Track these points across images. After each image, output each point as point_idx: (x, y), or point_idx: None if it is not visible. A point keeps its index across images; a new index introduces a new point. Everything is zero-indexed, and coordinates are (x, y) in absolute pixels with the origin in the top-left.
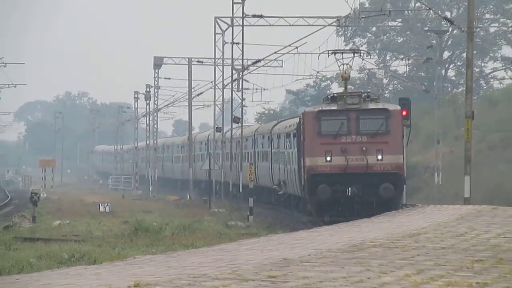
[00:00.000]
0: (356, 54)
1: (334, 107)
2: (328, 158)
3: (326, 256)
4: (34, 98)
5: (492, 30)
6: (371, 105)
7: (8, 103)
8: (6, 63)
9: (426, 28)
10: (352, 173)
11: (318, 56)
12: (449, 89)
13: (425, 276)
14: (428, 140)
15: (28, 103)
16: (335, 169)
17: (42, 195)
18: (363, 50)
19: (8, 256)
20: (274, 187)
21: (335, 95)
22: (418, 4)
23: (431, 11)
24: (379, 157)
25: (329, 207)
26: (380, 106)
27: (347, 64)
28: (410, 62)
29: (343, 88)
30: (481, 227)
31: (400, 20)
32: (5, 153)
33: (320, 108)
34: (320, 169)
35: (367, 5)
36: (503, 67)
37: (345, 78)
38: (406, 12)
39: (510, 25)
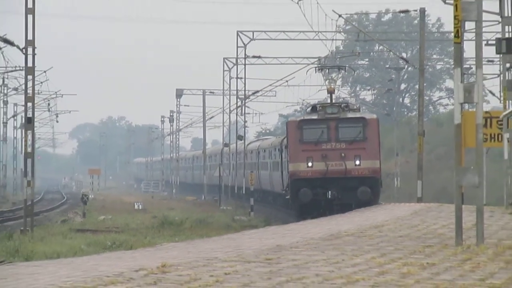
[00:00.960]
0: (340, 70)
1: (315, 117)
2: (310, 164)
3: (310, 243)
4: (84, 121)
5: (438, 67)
6: (350, 114)
7: (64, 125)
8: (62, 95)
9: (387, 66)
10: (332, 177)
11: (307, 72)
12: (405, 113)
13: (387, 258)
14: (389, 152)
15: (79, 125)
16: (316, 174)
17: (90, 196)
18: (345, 66)
19: (65, 243)
20: (283, 191)
21: (316, 105)
22: (381, 47)
23: (391, 52)
24: (357, 162)
25: (311, 209)
26: (357, 115)
27: (331, 78)
28: (375, 92)
29: (329, 101)
30: (430, 220)
31: (367, 59)
32: (62, 164)
33: (302, 118)
34: (302, 174)
35: (341, 48)
36: (447, 96)
37: (330, 91)
38: (371, 53)
39: (452, 63)
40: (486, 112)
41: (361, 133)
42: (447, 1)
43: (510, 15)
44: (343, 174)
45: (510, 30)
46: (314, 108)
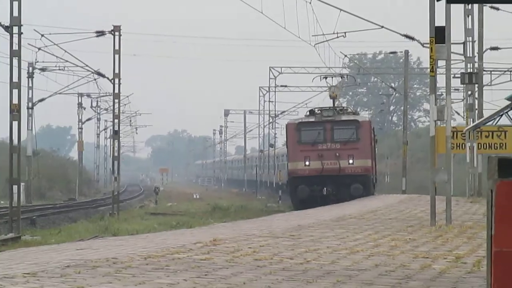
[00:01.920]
0: (342, 78)
1: (312, 119)
2: (307, 163)
3: (322, 224)
4: (156, 133)
5: (418, 93)
6: (344, 117)
7: (142, 136)
8: (141, 113)
9: (380, 93)
10: (327, 175)
11: (313, 79)
12: (393, 128)
13: (379, 235)
14: (381, 157)
15: (153, 136)
16: (313, 172)
17: (160, 188)
18: (346, 74)
19: (142, 223)
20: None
21: (314, 109)
22: (375, 79)
23: (383, 83)
24: (350, 161)
25: (308, 204)
26: (351, 117)
27: (334, 86)
28: (371, 112)
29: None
30: (412, 207)
31: (365, 88)
32: (140, 165)
33: (300, 120)
34: (300, 172)
35: (346, 79)
36: (424, 115)
37: (332, 97)
38: (368, 83)
39: (428, 91)
40: (453, 127)
41: (354, 134)
42: (424, 45)
43: (470, 56)
44: (337, 172)
45: (470, 67)
46: (312, 112)
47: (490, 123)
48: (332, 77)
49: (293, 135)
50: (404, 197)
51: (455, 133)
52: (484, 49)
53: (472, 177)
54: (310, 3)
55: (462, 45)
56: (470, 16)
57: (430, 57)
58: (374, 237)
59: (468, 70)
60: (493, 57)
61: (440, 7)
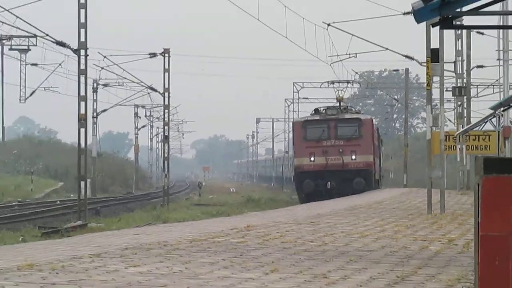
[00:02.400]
0: (348, 84)
1: (317, 117)
2: (312, 159)
3: (337, 212)
4: (199, 137)
5: (416, 104)
6: (347, 115)
7: (187, 140)
8: (186, 121)
9: (385, 104)
10: (331, 170)
11: (321, 84)
12: (396, 132)
13: (385, 221)
14: (387, 157)
15: (196, 140)
16: (317, 167)
17: (203, 183)
18: (352, 80)
19: (187, 212)
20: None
21: (319, 108)
22: (381, 92)
23: (387, 95)
24: (353, 157)
25: (313, 198)
26: (354, 116)
27: (341, 90)
28: (377, 120)
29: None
30: (412, 198)
31: (372, 99)
32: (186, 164)
33: (306, 118)
34: (306, 167)
35: (357, 92)
36: (422, 122)
37: (339, 100)
38: (375, 95)
39: (425, 102)
40: (446, 132)
41: (356, 131)
42: (422, 64)
43: (460, 72)
44: (341, 167)
45: (460, 82)
46: (317, 110)
47: (476, 128)
48: (338, 83)
49: (299, 132)
50: (405, 190)
51: (447, 137)
52: (471, 67)
53: (461, 174)
54: (327, 29)
55: (453, 64)
56: (459, 40)
57: (427, 74)
58: (380, 223)
59: (458, 85)
60: (479, 73)
61: (435, 32)
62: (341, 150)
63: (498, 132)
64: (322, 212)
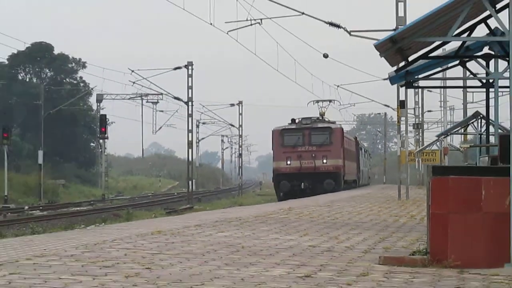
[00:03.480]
0: (330, 102)
1: (293, 126)
2: (288, 162)
3: (343, 199)
4: (261, 154)
5: (391, 133)
6: (320, 124)
7: (253, 155)
8: (252, 144)
9: (373, 134)
10: (305, 172)
11: (307, 104)
12: (379, 151)
13: (372, 205)
14: (373, 166)
15: (259, 155)
16: (293, 170)
17: (262, 182)
18: (334, 100)
19: (254, 199)
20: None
21: (294, 118)
22: (369, 127)
23: (374, 129)
24: (324, 161)
25: (289, 196)
26: (325, 125)
27: (324, 107)
28: (367, 143)
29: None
30: (389, 191)
31: (364, 131)
32: (251, 171)
33: (284, 127)
34: (282, 170)
35: (354, 127)
36: (394, 145)
37: (321, 114)
38: (366, 128)
39: (396, 132)
40: (409, 150)
41: (327, 139)
42: (394, 109)
43: (417, 114)
44: (313, 170)
45: (417, 120)
46: (293, 120)
47: (427, 148)
48: (322, 101)
49: (277, 139)
50: (384, 186)
51: (410, 153)
52: (424, 111)
53: (418, 176)
54: (337, 89)
55: (413, 109)
56: (417, 95)
57: (397, 116)
58: (370, 206)
59: (416, 122)
60: (429, 115)
61: (402, 90)
62: (313, 155)
63: (440, 150)
64: (334, 199)
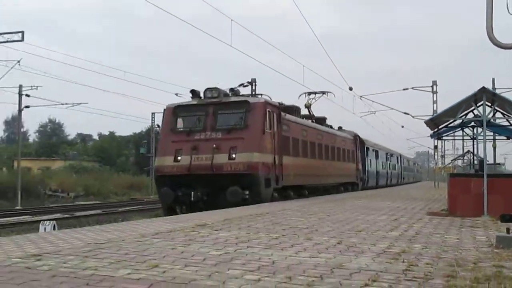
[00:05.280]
0: (323, 94)
1: (194, 102)
2: (179, 158)
3: (347, 198)
4: None
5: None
6: (233, 98)
7: None
8: None
9: None
10: (199, 174)
11: (299, 96)
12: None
13: (422, 190)
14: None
15: None
16: (180, 170)
17: None
18: (328, 92)
19: None
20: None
21: (195, 90)
22: None
23: None
24: (232, 156)
25: (174, 211)
26: (241, 98)
27: (312, 99)
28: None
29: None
30: (428, 185)
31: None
32: None
33: (179, 104)
34: (167, 170)
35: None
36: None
37: (307, 106)
38: None
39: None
40: (439, 167)
41: (242, 120)
42: (413, 116)
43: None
44: (210, 170)
45: (441, 153)
46: (194, 93)
47: (447, 166)
48: (315, 94)
49: (167, 122)
50: (428, 182)
51: (439, 168)
52: (446, 149)
53: (443, 177)
54: (361, 98)
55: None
56: (443, 142)
57: (434, 152)
58: (423, 191)
59: (441, 154)
60: (447, 150)
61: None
62: (215, 146)
63: (452, 167)
64: (337, 198)
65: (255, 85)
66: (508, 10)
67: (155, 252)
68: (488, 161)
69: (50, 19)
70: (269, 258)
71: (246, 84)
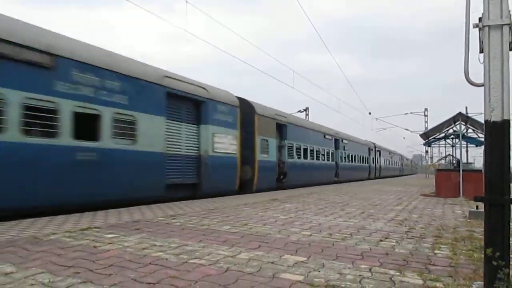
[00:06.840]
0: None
1: None
2: None
3: (347, 185)
4: None
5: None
6: None
7: None
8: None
9: None
10: None
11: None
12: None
13: (412, 180)
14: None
15: None
16: None
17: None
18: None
19: None
20: None
21: None
22: None
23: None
24: None
25: None
26: None
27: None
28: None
29: None
30: (422, 177)
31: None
32: None
33: None
34: None
35: None
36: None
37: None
38: None
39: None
40: (429, 164)
41: None
42: (411, 131)
43: (432, 153)
44: None
45: (431, 154)
46: None
47: (434, 163)
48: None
49: None
50: (421, 174)
51: (429, 165)
52: (433, 152)
53: (432, 171)
54: (376, 120)
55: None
56: (432, 148)
57: (425, 154)
58: (417, 180)
59: (431, 156)
60: (434, 153)
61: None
62: None
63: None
64: (341, 186)
65: (308, 112)
66: (479, 60)
67: (245, 215)
68: (463, 161)
69: None
70: (317, 221)
71: (302, 110)
